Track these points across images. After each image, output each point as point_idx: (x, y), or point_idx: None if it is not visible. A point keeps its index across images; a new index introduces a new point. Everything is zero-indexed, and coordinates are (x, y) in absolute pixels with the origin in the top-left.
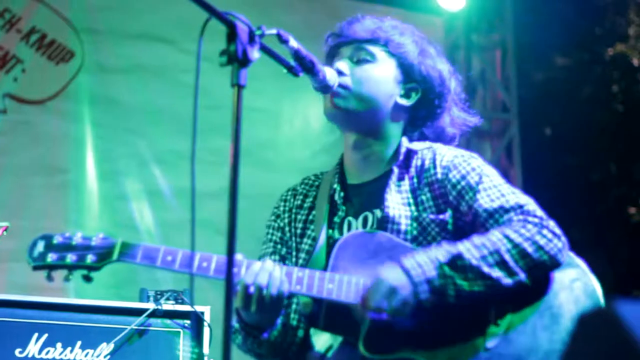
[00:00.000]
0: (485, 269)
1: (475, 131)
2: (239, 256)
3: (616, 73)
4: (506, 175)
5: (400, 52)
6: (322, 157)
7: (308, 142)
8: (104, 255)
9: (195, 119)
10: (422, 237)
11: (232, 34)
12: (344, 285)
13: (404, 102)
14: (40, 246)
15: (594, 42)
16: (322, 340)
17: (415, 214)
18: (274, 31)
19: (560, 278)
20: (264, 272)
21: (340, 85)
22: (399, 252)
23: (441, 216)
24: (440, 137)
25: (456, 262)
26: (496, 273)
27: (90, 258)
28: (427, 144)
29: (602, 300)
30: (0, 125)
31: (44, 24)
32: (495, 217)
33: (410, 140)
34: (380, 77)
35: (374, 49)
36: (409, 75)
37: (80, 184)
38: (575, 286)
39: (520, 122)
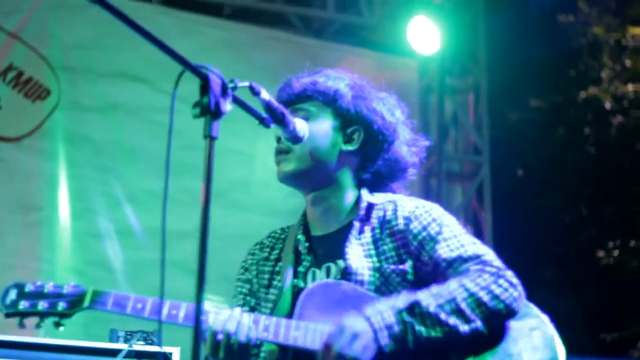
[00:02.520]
0: (442, 317)
1: (446, 174)
2: (207, 305)
3: (589, 115)
4: (476, 217)
5: (334, 99)
6: (294, 199)
7: (281, 184)
8: (75, 302)
9: (168, 161)
10: (385, 287)
11: (205, 87)
12: (309, 332)
13: (348, 147)
14: (13, 294)
15: (568, 84)
16: None
17: (377, 264)
18: (246, 84)
19: (519, 326)
20: (233, 320)
21: (282, 150)
22: (363, 301)
23: (401, 266)
24: (396, 169)
25: (414, 310)
26: (453, 321)
27: (61, 305)
28: (389, 196)
29: (560, 350)
30: None
31: (21, 62)
32: (454, 266)
33: (370, 189)
34: (317, 131)
35: (308, 106)
36: (347, 119)
37: (53, 221)
38: (535, 334)
39: (493, 163)
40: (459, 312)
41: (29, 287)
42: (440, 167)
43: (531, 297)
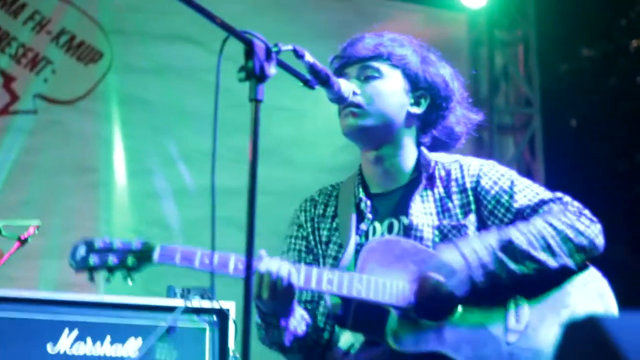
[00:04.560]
0: (534, 253)
1: (497, 126)
2: (262, 252)
3: None
4: (529, 169)
5: (403, 63)
6: (344, 155)
7: (330, 140)
8: (144, 257)
9: (215, 121)
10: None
11: (249, 51)
12: (371, 285)
13: (415, 110)
14: (82, 250)
15: (619, 34)
16: (344, 339)
17: (437, 222)
18: (290, 47)
19: (574, 280)
20: (275, 262)
21: (354, 104)
22: (422, 257)
23: (462, 221)
24: (450, 137)
25: (507, 247)
26: (544, 257)
27: (130, 260)
28: (451, 156)
29: (612, 303)
30: (31, 125)
31: (73, 26)
32: (538, 210)
33: (427, 147)
34: (390, 91)
35: (379, 65)
36: (415, 83)
37: (109, 182)
38: (588, 288)
39: (545, 115)
40: (548, 248)
41: (98, 243)
42: (491, 120)
43: None
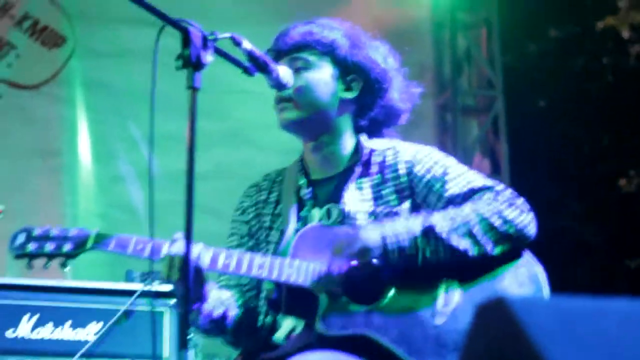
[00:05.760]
0: (454, 241)
1: (461, 108)
2: (177, 235)
3: (608, 44)
4: (493, 150)
5: (332, 49)
6: None
7: None
8: (80, 244)
9: (152, 110)
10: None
11: (186, 39)
12: (302, 270)
13: (347, 95)
14: (21, 238)
15: (585, 15)
16: (287, 324)
17: (372, 208)
18: (227, 35)
19: (509, 265)
20: (181, 242)
21: (285, 99)
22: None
23: (396, 209)
24: (391, 115)
25: (428, 234)
26: (464, 245)
27: (66, 247)
28: (388, 142)
29: (544, 286)
30: None
31: (37, 10)
32: (468, 199)
33: (368, 134)
34: (319, 80)
35: (307, 55)
36: (346, 68)
37: (74, 166)
38: (520, 271)
39: (510, 96)
40: (470, 236)
41: (36, 231)
42: (455, 102)
43: (553, 226)
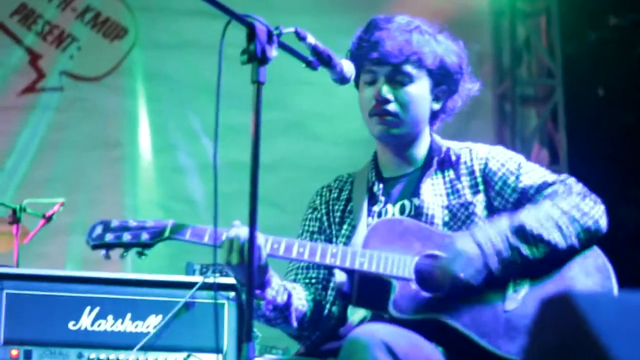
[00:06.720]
0: (546, 236)
1: (520, 97)
2: (236, 222)
3: None
4: (552, 139)
5: (429, 63)
6: None
7: (356, 114)
8: (157, 234)
9: (218, 102)
10: (453, 223)
11: (251, 34)
12: (374, 258)
13: (436, 106)
14: (99, 229)
15: None
16: (358, 313)
17: (447, 202)
18: (291, 29)
19: (575, 257)
20: (244, 228)
21: (389, 113)
22: (425, 234)
23: (469, 200)
24: (452, 113)
25: (519, 233)
26: (554, 239)
27: (144, 236)
28: (464, 143)
29: (611, 276)
30: (57, 102)
31: (98, 2)
32: (541, 191)
33: (432, 128)
34: (421, 96)
35: (410, 69)
36: (438, 80)
37: (134, 157)
38: (587, 261)
39: (569, 86)
40: (558, 230)
41: (114, 223)
42: (514, 92)
43: (613, 216)
